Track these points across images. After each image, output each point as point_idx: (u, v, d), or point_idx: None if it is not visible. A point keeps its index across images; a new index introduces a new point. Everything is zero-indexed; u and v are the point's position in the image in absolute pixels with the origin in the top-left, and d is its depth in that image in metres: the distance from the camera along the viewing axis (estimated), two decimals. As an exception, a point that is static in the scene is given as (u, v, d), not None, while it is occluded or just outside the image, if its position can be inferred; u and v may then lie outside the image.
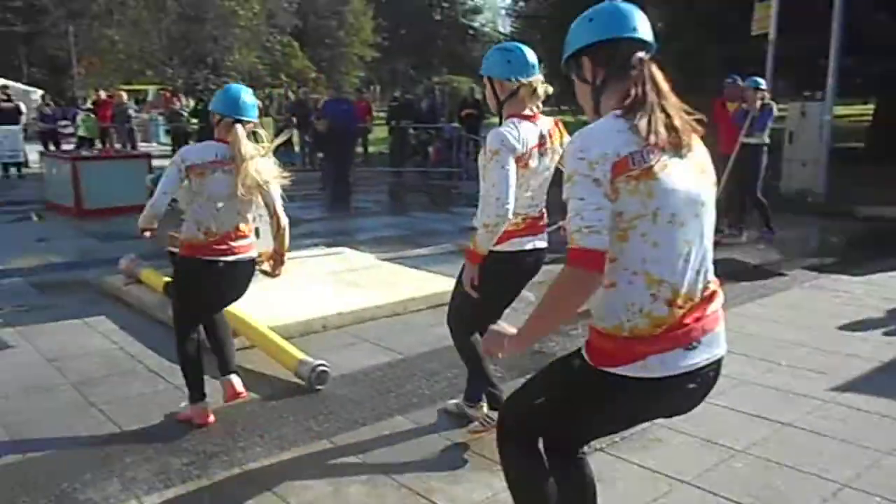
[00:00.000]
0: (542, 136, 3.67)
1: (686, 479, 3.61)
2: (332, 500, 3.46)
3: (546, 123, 3.76)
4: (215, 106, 4.21)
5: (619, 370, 2.14)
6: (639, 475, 3.68)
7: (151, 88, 26.90)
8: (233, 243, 4.16)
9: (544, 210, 3.90)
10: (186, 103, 21.28)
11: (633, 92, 2.14)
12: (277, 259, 4.39)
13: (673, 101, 2.19)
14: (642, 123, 2.08)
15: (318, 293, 6.70)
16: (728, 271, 7.65)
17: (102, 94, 22.75)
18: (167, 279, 6.13)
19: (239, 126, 4.10)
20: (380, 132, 22.49)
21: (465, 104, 19.02)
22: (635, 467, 3.75)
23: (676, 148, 2.13)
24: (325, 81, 42.77)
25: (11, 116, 16.19)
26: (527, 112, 3.71)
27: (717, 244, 2.40)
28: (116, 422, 4.32)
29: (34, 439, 4.12)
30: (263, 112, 20.49)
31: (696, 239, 2.16)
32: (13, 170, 16.27)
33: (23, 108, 17.13)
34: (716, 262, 2.26)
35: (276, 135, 20.05)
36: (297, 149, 20.45)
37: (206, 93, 22.15)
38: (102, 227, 10.62)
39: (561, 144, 3.74)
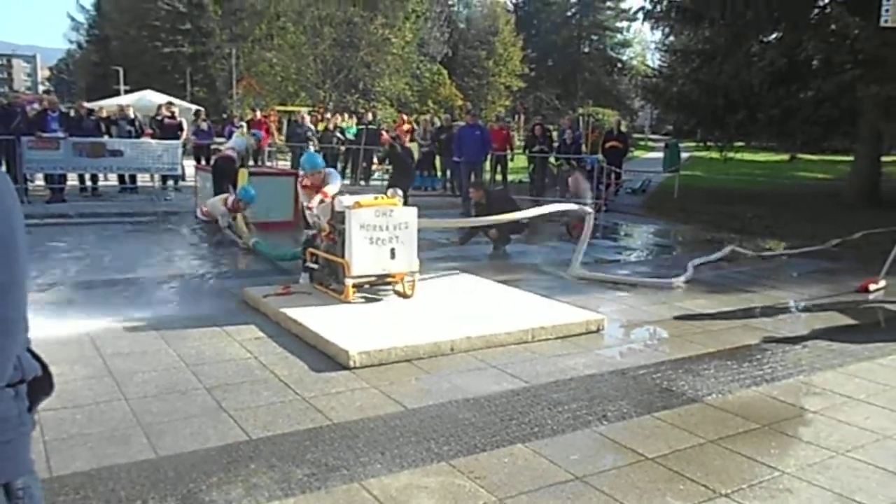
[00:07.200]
0: None
1: (817, 537, 3.40)
2: (446, 524, 3.44)
3: None
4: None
5: None
6: (766, 527, 3.49)
7: (304, 110, 27.94)
8: None
9: None
10: (345, 124, 22.21)
11: None
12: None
13: None
14: None
15: (448, 316, 6.74)
16: (874, 320, 7.22)
17: (258, 114, 23.87)
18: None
19: None
20: (521, 160, 22.55)
21: (609, 136, 18.81)
22: (761, 518, 3.57)
23: None
24: (470, 109, 43.40)
25: (173, 132, 17.16)
26: None
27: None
28: (245, 428, 4.45)
29: (167, 439, 4.29)
30: (411, 137, 20.95)
31: None
32: (170, 182, 17.21)
33: (185, 124, 18.09)
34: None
35: (421, 158, 20.45)
36: (439, 174, 20.72)
37: (361, 115, 23.22)
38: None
39: None
